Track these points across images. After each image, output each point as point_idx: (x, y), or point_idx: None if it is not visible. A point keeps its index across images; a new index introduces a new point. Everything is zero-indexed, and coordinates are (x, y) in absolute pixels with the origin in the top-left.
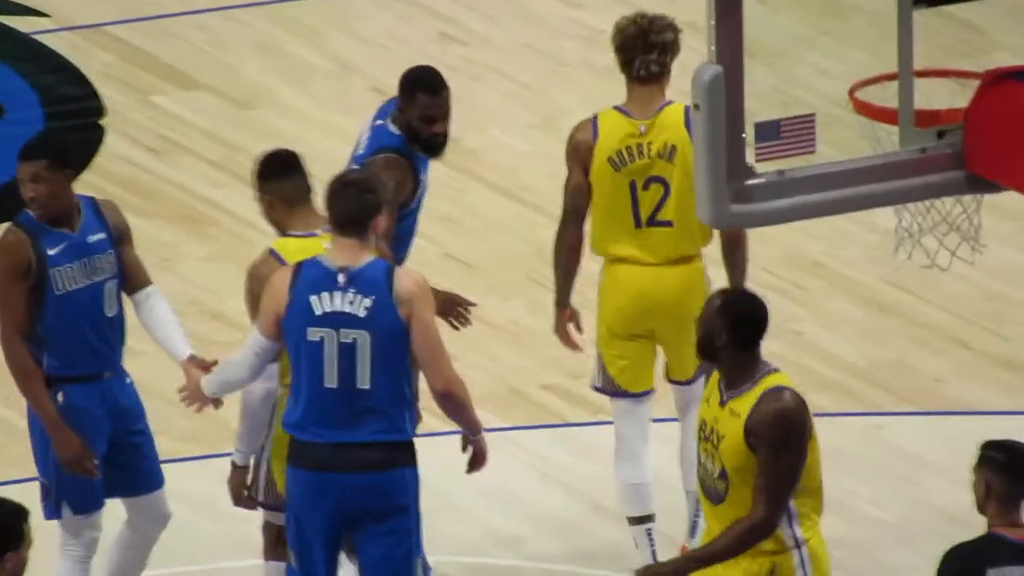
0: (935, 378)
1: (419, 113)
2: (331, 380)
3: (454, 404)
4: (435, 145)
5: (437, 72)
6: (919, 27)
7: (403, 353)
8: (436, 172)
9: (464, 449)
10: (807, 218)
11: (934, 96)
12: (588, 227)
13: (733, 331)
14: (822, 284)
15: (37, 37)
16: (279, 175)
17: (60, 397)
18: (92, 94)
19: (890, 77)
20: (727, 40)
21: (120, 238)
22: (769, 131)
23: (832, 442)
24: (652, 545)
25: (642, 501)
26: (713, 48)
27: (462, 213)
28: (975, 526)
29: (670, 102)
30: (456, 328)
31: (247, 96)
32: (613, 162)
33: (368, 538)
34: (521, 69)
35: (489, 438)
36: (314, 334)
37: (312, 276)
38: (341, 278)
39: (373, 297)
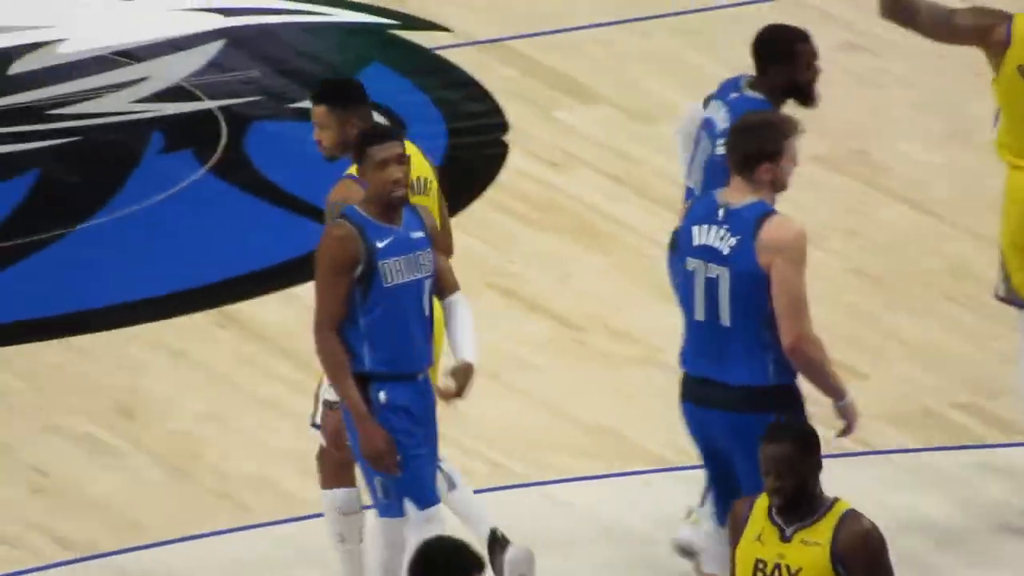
0: None
1: (805, 62)
2: (700, 313)
3: (802, 363)
4: (814, 93)
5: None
6: None
7: (761, 299)
8: (841, 185)
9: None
10: None
11: None
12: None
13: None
14: None
15: (439, 52)
16: None
17: (382, 396)
18: (495, 110)
19: None
20: None
21: (433, 240)
22: None
23: None
24: None
25: None
26: None
27: (868, 227)
28: None
29: None
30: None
31: (647, 109)
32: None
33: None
34: (931, 78)
35: (896, 459)
36: (690, 264)
37: (702, 208)
38: (720, 213)
39: (739, 237)
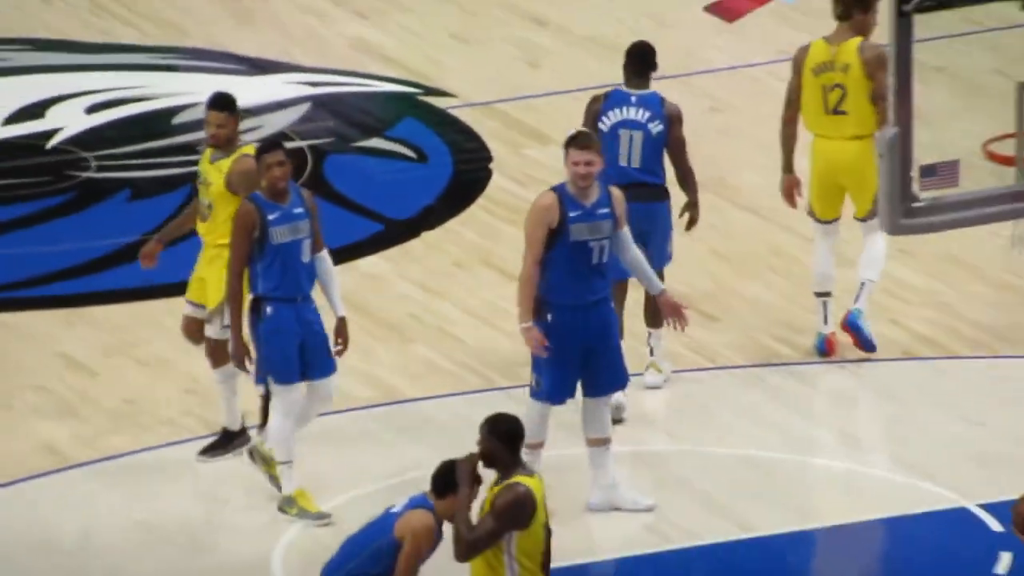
0: None
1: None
2: None
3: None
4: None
5: None
6: None
7: None
8: (706, 198)
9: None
10: (953, 228)
11: None
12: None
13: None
14: (962, 271)
15: (449, 110)
16: None
17: (268, 310)
18: (484, 148)
19: (1012, 135)
20: (903, 109)
21: (312, 214)
22: (929, 171)
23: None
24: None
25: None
26: (892, 115)
27: (722, 224)
28: None
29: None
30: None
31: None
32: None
33: None
34: (766, 132)
35: (737, 372)
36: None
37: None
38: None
39: None
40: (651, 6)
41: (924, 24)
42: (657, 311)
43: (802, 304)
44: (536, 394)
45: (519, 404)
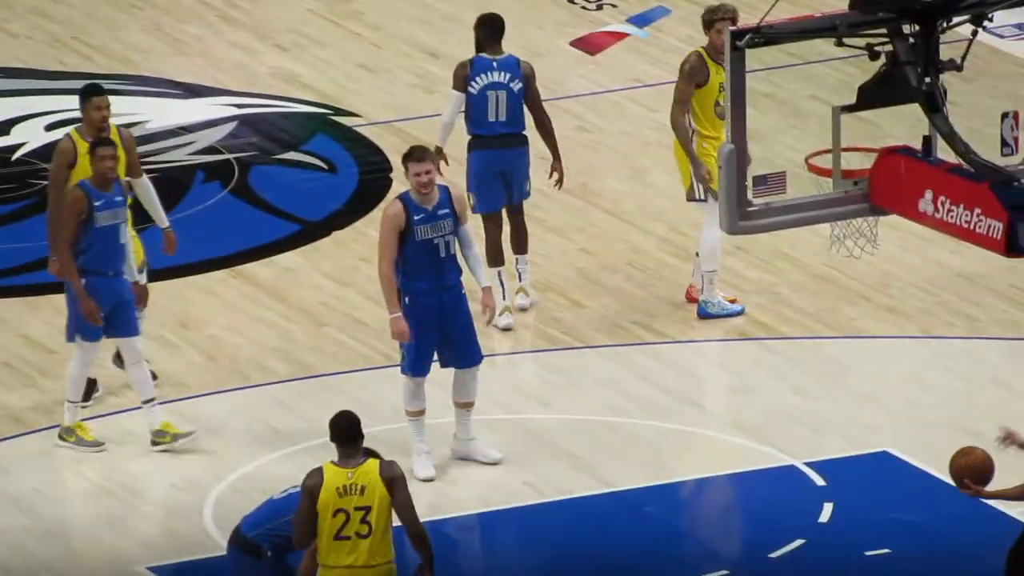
0: (850, 318)
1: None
2: None
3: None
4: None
5: None
6: (843, 123)
7: None
8: (570, 201)
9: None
10: (781, 229)
11: (853, 161)
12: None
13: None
14: (788, 265)
15: (355, 127)
16: None
17: (83, 281)
18: (385, 160)
19: (828, 151)
20: (738, 129)
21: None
22: (761, 181)
23: (789, 354)
24: None
25: None
26: (729, 133)
27: (587, 225)
28: None
29: None
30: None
31: (461, 157)
32: None
33: None
34: (625, 145)
35: (603, 351)
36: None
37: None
38: None
39: None
40: (525, 40)
41: (754, 57)
42: (522, 239)
43: (656, 294)
44: (404, 369)
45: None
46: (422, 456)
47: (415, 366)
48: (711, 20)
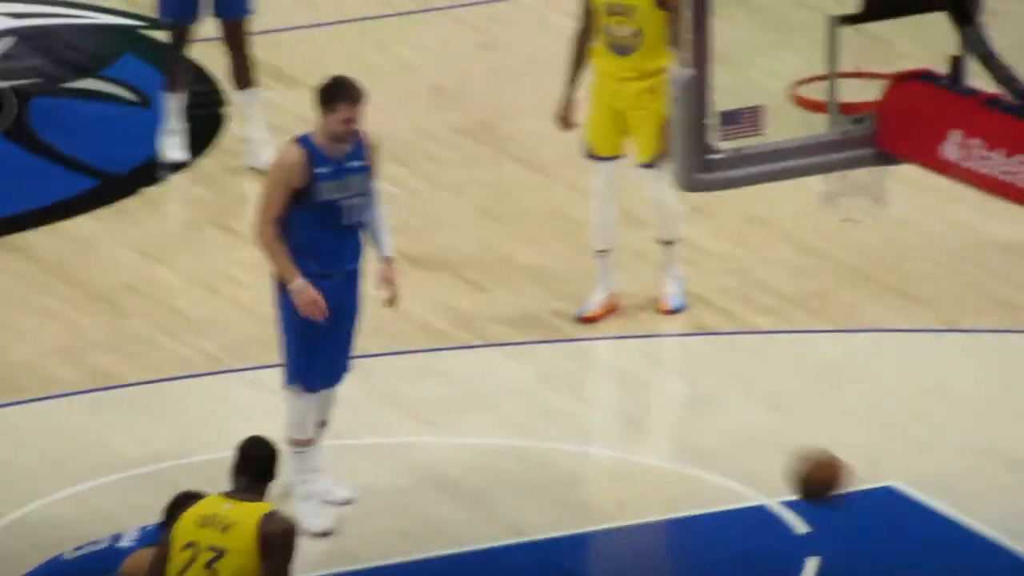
0: (847, 305)
1: None
2: None
3: (264, 251)
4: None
5: None
6: (842, 39)
7: None
8: (475, 149)
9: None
10: (756, 184)
11: (854, 92)
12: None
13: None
14: (765, 234)
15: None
16: None
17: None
18: (216, 90)
19: (821, 78)
20: (698, 50)
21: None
22: (732, 118)
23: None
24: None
25: None
26: (687, 55)
27: (495, 180)
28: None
29: None
30: None
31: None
32: None
33: None
34: (545, 75)
35: (507, 349)
36: None
37: None
38: None
39: None
40: None
41: None
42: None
43: (585, 272)
44: (290, 379)
45: (251, 387)
46: (311, 501)
47: (306, 375)
48: None
